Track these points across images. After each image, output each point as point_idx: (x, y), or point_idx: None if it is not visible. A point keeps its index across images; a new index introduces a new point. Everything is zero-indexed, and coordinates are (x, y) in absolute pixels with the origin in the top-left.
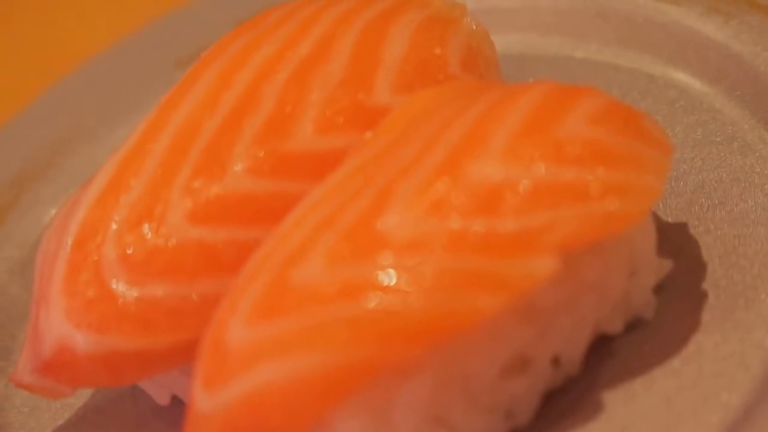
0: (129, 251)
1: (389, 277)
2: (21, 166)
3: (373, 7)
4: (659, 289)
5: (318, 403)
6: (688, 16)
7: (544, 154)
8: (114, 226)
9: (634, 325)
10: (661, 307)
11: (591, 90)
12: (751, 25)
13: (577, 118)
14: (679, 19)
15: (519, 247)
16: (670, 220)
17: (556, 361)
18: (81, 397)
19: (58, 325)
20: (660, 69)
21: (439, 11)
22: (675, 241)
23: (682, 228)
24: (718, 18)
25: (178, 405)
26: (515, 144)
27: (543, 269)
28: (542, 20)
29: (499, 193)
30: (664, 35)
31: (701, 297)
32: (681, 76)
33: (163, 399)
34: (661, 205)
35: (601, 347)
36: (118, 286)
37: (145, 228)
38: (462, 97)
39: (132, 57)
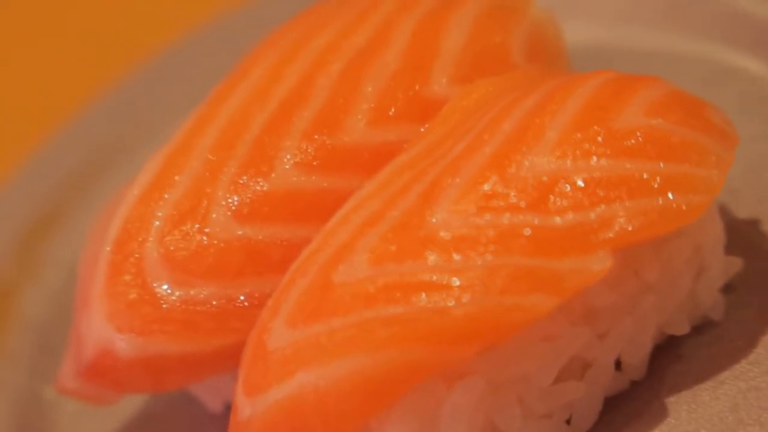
0: (172, 251)
1: (436, 276)
2: (79, 166)
3: None
4: (728, 288)
5: (361, 408)
6: (763, 4)
7: (599, 147)
8: (157, 225)
9: (701, 326)
10: (730, 307)
11: (651, 79)
12: None
13: (636, 108)
14: (757, 7)
15: (573, 243)
16: (740, 215)
17: (618, 365)
18: (133, 404)
19: (100, 328)
20: (736, 59)
21: None
22: (745, 238)
23: (753, 224)
24: None
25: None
26: (569, 136)
27: (598, 267)
28: (614, 7)
29: (552, 188)
30: (741, 24)
31: None
32: (758, 67)
33: (216, 406)
34: (732, 200)
35: (666, 349)
36: (161, 288)
37: (189, 226)
38: (520, 88)
39: (193, 55)
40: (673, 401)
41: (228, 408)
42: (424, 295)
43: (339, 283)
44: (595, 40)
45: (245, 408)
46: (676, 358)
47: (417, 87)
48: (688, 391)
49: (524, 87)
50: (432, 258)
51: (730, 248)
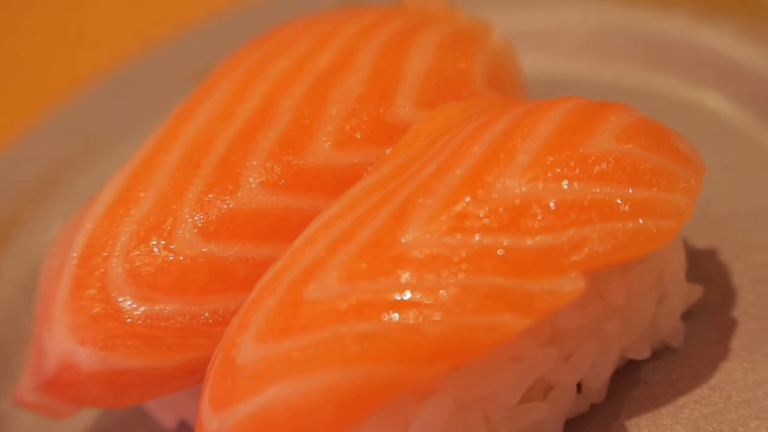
0: (137, 266)
1: (408, 294)
2: (30, 181)
3: (396, 21)
4: (688, 315)
5: (332, 423)
6: (720, 40)
7: (570, 171)
8: (122, 240)
9: (660, 351)
10: (690, 333)
11: (620, 106)
12: None
13: (606, 133)
14: (712, 42)
15: (543, 265)
16: (700, 245)
17: (579, 387)
18: (87, 418)
19: (62, 341)
20: (691, 92)
21: (465, 27)
22: (705, 267)
23: (712, 254)
24: (751, 42)
25: (185, 429)
26: (541, 159)
27: (568, 288)
28: (570, 42)
29: (523, 210)
30: (696, 58)
31: (731, 324)
32: (712, 100)
33: (169, 422)
34: (691, 230)
35: (625, 373)
36: (125, 302)
37: (154, 242)
38: (486, 113)
39: (144, 72)
40: (632, 424)
41: (181, 424)
42: (396, 312)
43: (310, 300)
44: (552, 73)
45: (212, 422)
46: (635, 381)
47: (381, 111)
48: (648, 415)
49: (490, 112)
50: (404, 276)
51: (690, 276)
